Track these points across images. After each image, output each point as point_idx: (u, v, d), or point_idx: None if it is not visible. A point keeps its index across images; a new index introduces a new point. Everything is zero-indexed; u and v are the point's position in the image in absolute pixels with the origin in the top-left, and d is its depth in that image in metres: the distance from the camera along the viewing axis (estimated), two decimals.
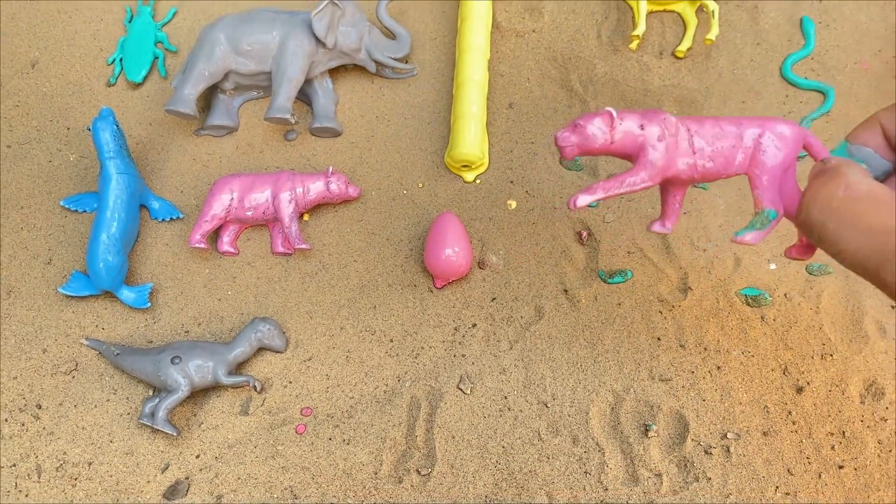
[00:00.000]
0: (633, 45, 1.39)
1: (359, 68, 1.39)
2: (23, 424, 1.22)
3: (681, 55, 1.38)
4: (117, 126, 1.24)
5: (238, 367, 1.22)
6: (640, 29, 1.36)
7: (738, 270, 1.24)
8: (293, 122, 1.29)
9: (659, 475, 1.13)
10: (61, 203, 1.32)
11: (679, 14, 1.43)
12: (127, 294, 1.24)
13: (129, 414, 1.21)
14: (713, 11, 1.36)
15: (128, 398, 1.22)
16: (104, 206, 1.23)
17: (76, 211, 1.32)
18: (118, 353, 1.21)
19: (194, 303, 1.27)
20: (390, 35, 1.39)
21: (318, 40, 1.30)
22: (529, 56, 1.41)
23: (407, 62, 1.41)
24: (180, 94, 1.28)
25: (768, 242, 1.26)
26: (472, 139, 1.28)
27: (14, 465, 1.19)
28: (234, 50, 1.30)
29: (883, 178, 0.52)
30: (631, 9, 1.43)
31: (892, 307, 1.21)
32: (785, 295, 1.23)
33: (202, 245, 1.25)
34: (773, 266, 1.25)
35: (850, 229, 0.46)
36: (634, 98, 1.36)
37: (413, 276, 1.27)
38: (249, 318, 1.25)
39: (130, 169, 1.26)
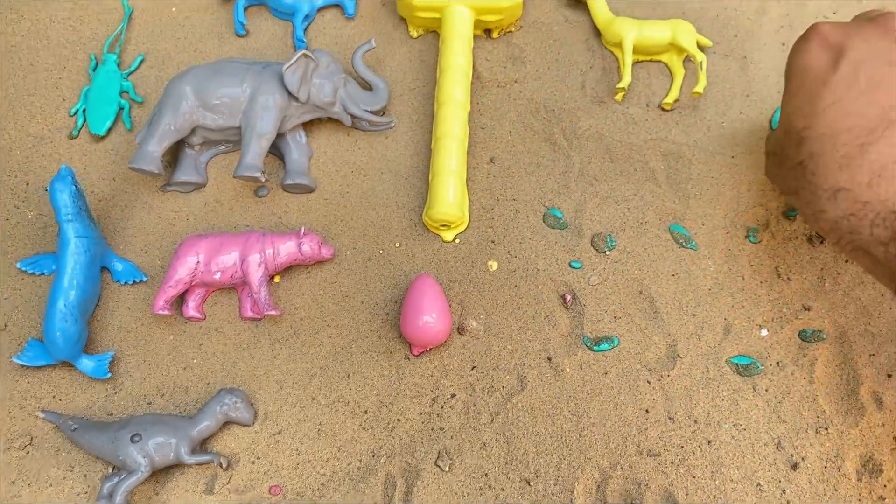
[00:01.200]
0: (619, 97, 1.34)
1: (334, 120, 1.34)
2: None
3: (667, 107, 1.33)
4: (76, 186, 1.17)
5: (203, 443, 1.15)
6: (626, 81, 1.31)
7: (728, 337, 1.19)
8: (263, 180, 1.23)
9: None
10: (18, 265, 1.25)
11: (666, 64, 1.38)
12: (86, 363, 1.17)
13: (86, 493, 1.14)
14: (700, 63, 1.31)
15: (85, 476, 1.15)
16: (62, 272, 1.16)
17: (33, 273, 1.25)
18: (75, 428, 1.14)
19: (158, 372, 1.20)
20: (367, 86, 1.34)
21: (290, 94, 1.24)
22: (511, 108, 1.36)
23: (384, 114, 1.35)
24: (144, 150, 1.22)
25: (759, 306, 1.21)
26: (451, 197, 1.22)
27: None
28: (202, 104, 1.24)
29: None
30: (616, 59, 1.39)
31: (889, 376, 1.16)
32: (777, 363, 1.17)
33: (166, 312, 1.18)
34: (764, 332, 1.19)
35: None
36: (620, 152, 1.31)
37: (389, 343, 1.21)
38: (216, 389, 1.19)
39: (90, 231, 1.19)
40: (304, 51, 1.23)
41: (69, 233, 1.17)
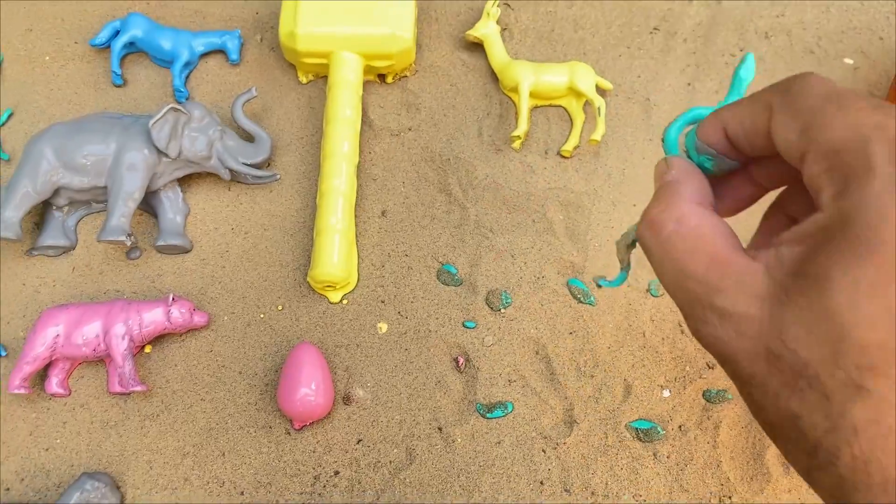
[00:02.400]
0: (516, 145, 1.28)
1: (212, 174, 1.26)
2: None
3: (567, 155, 1.27)
4: None
5: None
6: (522, 128, 1.25)
7: (628, 399, 1.12)
8: (128, 244, 1.14)
9: None
10: None
11: (565, 109, 1.32)
12: None
13: None
14: (599, 108, 1.25)
15: None
16: None
17: None
18: None
19: (17, 454, 1.11)
20: (249, 137, 1.26)
21: (159, 150, 1.16)
22: (405, 157, 1.29)
23: (268, 167, 1.27)
24: (2, 216, 1.13)
25: (661, 365, 1.14)
26: (335, 258, 1.14)
27: None
28: (64, 164, 1.15)
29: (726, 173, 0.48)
30: (514, 104, 1.32)
31: None
32: (680, 427, 1.11)
33: (23, 391, 1.09)
34: (666, 393, 1.13)
35: (670, 265, 0.45)
36: (517, 202, 1.25)
37: (268, 417, 1.13)
38: (80, 471, 1.09)
39: None
40: (172, 104, 1.15)
41: None
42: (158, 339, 1.17)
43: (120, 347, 1.10)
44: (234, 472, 1.10)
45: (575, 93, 1.30)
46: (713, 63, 1.37)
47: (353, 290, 1.20)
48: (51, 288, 1.20)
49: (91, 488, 1.05)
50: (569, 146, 1.27)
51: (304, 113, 1.33)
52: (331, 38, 1.26)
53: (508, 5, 1.41)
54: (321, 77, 1.35)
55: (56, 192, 1.18)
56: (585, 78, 1.28)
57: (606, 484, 1.08)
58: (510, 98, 1.33)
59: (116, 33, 1.33)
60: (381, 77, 1.35)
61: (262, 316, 1.19)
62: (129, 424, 1.12)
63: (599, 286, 1.13)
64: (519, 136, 1.26)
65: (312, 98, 1.34)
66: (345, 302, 1.19)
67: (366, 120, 1.31)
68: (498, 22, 1.34)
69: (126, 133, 1.17)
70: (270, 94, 1.34)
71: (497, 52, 1.32)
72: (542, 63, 1.31)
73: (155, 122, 1.14)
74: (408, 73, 1.35)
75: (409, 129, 1.31)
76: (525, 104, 1.27)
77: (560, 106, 1.33)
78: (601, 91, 1.32)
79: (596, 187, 1.26)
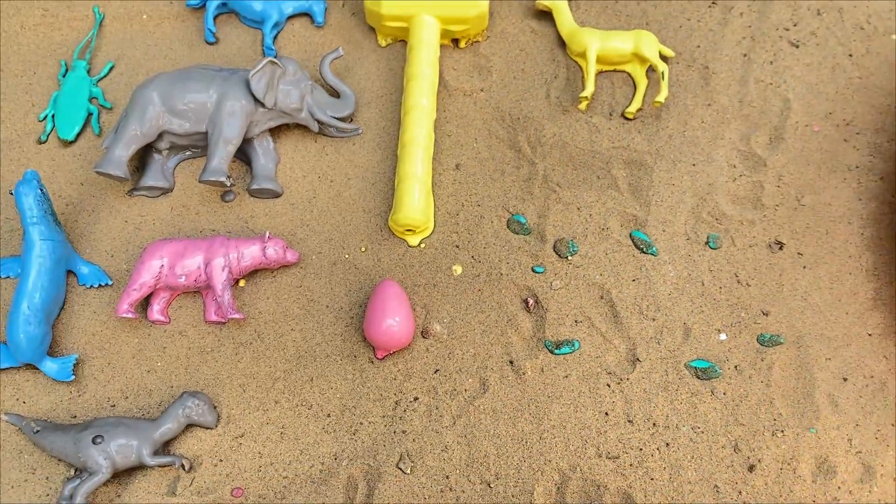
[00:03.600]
0: (583, 106, 1.36)
1: (302, 126, 1.35)
2: None
3: (630, 116, 1.35)
4: (42, 190, 1.18)
5: (166, 445, 1.15)
6: (589, 90, 1.34)
7: (687, 341, 1.21)
8: (228, 184, 1.24)
9: None
10: None
11: (629, 74, 1.40)
12: (50, 366, 1.18)
13: (48, 496, 1.14)
14: (662, 73, 1.34)
15: (48, 478, 1.15)
16: (26, 275, 1.17)
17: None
18: (38, 430, 1.14)
19: (122, 375, 1.21)
20: (334, 93, 1.35)
21: (256, 100, 1.26)
22: (477, 116, 1.38)
23: (352, 121, 1.37)
24: (111, 155, 1.23)
25: (719, 311, 1.23)
26: (416, 203, 1.23)
27: None
28: (169, 110, 1.25)
29: None
30: (581, 69, 1.41)
31: (844, 380, 1.18)
32: (735, 367, 1.19)
33: (130, 315, 1.19)
34: (723, 336, 1.21)
35: None
36: (583, 160, 1.34)
37: (353, 347, 1.22)
38: (179, 392, 1.19)
39: (56, 234, 1.20)
40: (270, 57, 1.25)
41: (34, 236, 1.18)
42: (251, 274, 1.26)
43: (220, 278, 1.20)
44: (321, 395, 1.19)
45: (639, 59, 1.38)
46: (768, 35, 1.45)
47: (430, 234, 1.29)
48: (151, 225, 1.30)
49: (192, 405, 1.15)
50: (632, 108, 1.35)
51: (384, 73, 1.42)
52: (413, 2, 1.35)
53: None
54: (399, 41, 1.44)
55: (159, 136, 1.28)
56: (650, 45, 1.36)
57: (667, 416, 1.16)
58: (577, 63, 1.42)
59: None
60: (455, 42, 1.43)
61: (346, 256, 1.28)
62: (223, 351, 1.22)
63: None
64: (586, 98, 1.34)
65: (391, 60, 1.43)
66: (422, 245, 1.29)
67: (441, 81, 1.40)
68: None
69: (226, 83, 1.26)
70: (352, 56, 1.43)
71: (566, 19, 1.40)
72: (609, 31, 1.39)
73: (254, 74, 1.23)
74: (480, 39, 1.44)
75: (481, 90, 1.40)
76: (592, 68, 1.36)
77: (624, 71, 1.41)
78: (664, 57, 1.40)
79: (658, 147, 1.34)
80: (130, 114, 1.25)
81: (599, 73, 1.41)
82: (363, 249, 1.28)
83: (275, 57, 1.36)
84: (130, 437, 1.11)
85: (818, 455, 1.13)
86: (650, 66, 1.38)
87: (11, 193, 1.21)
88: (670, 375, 1.19)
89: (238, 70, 1.30)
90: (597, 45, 1.36)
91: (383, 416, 1.18)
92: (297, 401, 1.19)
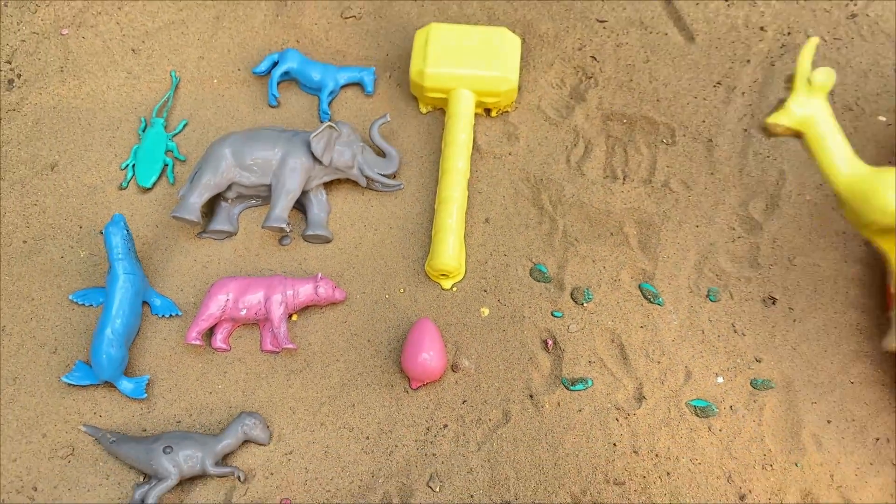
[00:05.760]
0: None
1: (352, 181, 1.53)
2: None
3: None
4: (127, 230, 1.36)
5: (224, 458, 1.30)
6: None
7: (688, 383, 1.36)
8: (288, 230, 1.42)
9: None
10: (70, 297, 1.43)
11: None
12: (126, 385, 1.34)
13: (119, 499, 1.29)
14: None
15: (119, 483, 1.30)
16: (110, 303, 1.34)
17: (83, 305, 1.42)
18: (113, 441, 1.30)
19: (187, 395, 1.37)
20: (381, 153, 1.54)
21: (315, 158, 1.44)
22: (505, 176, 1.56)
23: (395, 177, 1.55)
24: (186, 202, 1.41)
25: (717, 357, 1.38)
26: (450, 251, 1.41)
27: None
28: (239, 164, 1.44)
29: None
30: (594, 138, 1.59)
31: (828, 422, 1.32)
32: (731, 407, 1.34)
33: (198, 342, 1.36)
34: (720, 380, 1.36)
35: None
36: (598, 218, 1.50)
37: (391, 377, 1.38)
38: (237, 412, 1.35)
39: (136, 269, 1.38)
40: (328, 122, 1.44)
41: (119, 270, 1.35)
42: (303, 310, 1.43)
43: (278, 312, 1.37)
44: (361, 420, 1.35)
45: None
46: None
47: (461, 279, 1.46)
48: (217, 265, 1.48)
49: (250, 423, 1.30)
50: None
51: (423, 137, 1.61)
52: (452, 77, 1.54)
53: (594, 58, 1.69)
54: (437, 109, 1.64)
55: (229, 186, 1.46)
56: None
57: (668, 448, 1.31)
58: (595, 131, 1.60)
59: (274, 64, 1.63)
60: (487, 111, 1.62)
61: (387, 296, 1.45)
62: (276, 377, 1.38)
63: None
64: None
65: (430, 125, 1.62)
66: (454, 289, 1.45)
67: (474, 145, 1.58)
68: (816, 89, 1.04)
69: (289, 143, 1.45)
70: (396, 121, 1.62)
71: (834, 151, 1.02)
72: None
73: (314, 136, 1.42)
74: (509, 109, 1.63)
75: (510, 154, 1.58)
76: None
77: (632, 139, 1.59)
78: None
79: (665, 210, 1.51)
80: (205, 166, 1.44)
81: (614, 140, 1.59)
82: (402, 291, 1.45)
83: (331, 121, 1.55)
84: (196, 449, 1.26)
85: (803, 488, 1.27)
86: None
87: (101, 233, 1.40)
88: (672, 412, 1.33)
89: (299, 132, 1.49)
90: None
91: (416, 440, 1.33)
92: (340, 423, 1.35)
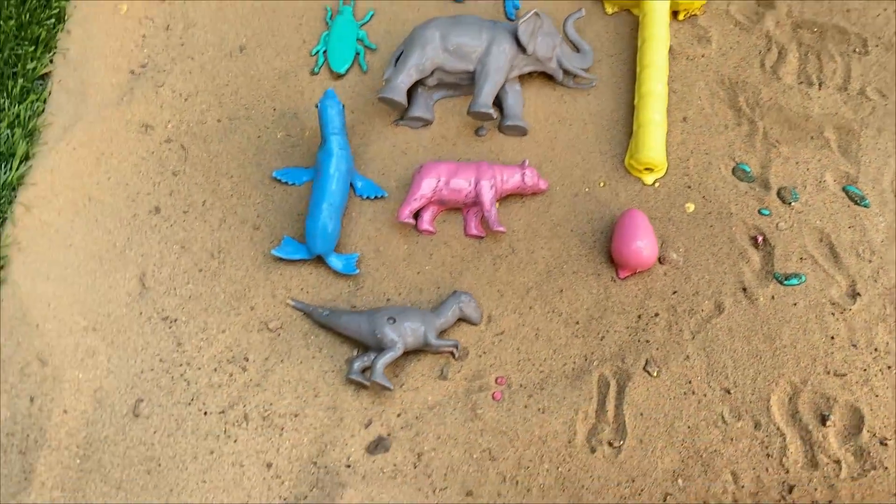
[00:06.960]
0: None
1: (541, 77, 1.51)
2: (230, 375, 1.29)
3: None
4: (342, 106, 1.35)
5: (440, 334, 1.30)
6: None
7: None
8: (494, 116, 1.41)
9: (837, 462, 1.21)
10: (273, 174, 1.41)
11: None
12: (336, 261, 1.33)
13: (333, 371, 1.29)
14: None
15: (332, 357, 1.30)
16: (326, 178, 1.33)
17: (285, 183, 1.41)
18: (328, 314, 1.29)
19: (395, 274, 1.36)
20: (575, 49, 1.52)
21: (519, 47, 1.42)
22: (699, 78, 1.54)
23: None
24: (393, 83, 1.40)
25: None
26: (656, 144, 1.39)
27: (223, 412, 1.26)
28: (445, 49, 1.42)
29: None
30: (789, 42, 1.56)
31: None
32: None
33: (410, 220, 1.35)
34: None
35: None
36: (797, 122, 1.48)
37: (597, 266, 1.37)
38: (445, 293, 1.34)
39: (348, 146, 1.36)
40: (536, 10, 1.42)
41: (334, 145, 1.34)
42: (503, 199, 1.42)
43: (488, 196, 1.35)
44: (570, 305, 1.34)
45: None
46: None
47: (663, 175, 1.44)
48: (416, 151, 1.46)
49: (466, 300, 1.30)
50: None
51: (612, 37, 1.59)
52: None
53: None
54: (623, 10, 1.61)
55: (432, 72, 1.44)
56: None
57: (887, 343, 1.29)
58: (789, 35, 1.57)
59: None
60: (675, 14, 1.60)
61: (586, 189, 1.43)
62: (482, 261, 1.37)
63: None
64: None
65: (618, 26, 1.60)
66: (656, 185, 1.44)
67: None
68: None
69: (495, 30, 1.43)
70: (584, 21, 1.60)
71: None
72: None
73: (523, 21, 1.40)
74: (698, 13, 1.60)
75: (702, 56, 1.56)
76: None
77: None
78: None
79: (863, 117, 1.49)
80: (412, 49, 1.42)
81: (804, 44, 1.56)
82: (602, 184, 1.44)
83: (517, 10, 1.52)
84: (418, 322, 1.26)
85: None
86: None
87: (316, 107, 1.38)
88: (889, 309, 1.32)
89: (499, 22, 1.47)
90: None
91: (627, 327, 1.32)
92: (549, 308, 1.34)
